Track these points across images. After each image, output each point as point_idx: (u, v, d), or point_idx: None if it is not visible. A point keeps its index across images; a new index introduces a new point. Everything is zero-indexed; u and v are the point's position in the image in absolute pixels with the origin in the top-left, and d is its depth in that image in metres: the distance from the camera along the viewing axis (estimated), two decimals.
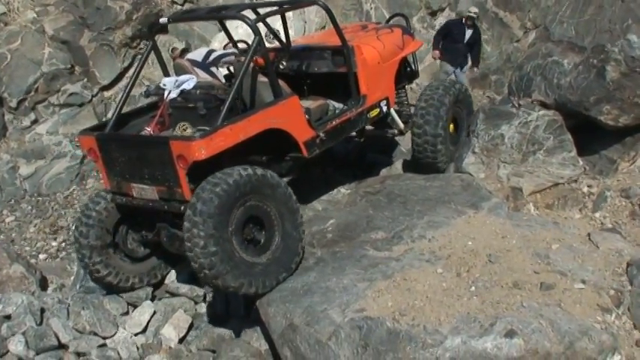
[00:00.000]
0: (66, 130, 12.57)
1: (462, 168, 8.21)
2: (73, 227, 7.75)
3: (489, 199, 7.41)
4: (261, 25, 7.16)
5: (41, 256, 9.94)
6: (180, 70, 7.80)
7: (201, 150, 6.25)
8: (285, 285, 6.38)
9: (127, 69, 13.53)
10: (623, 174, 8.19)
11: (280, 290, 6.32)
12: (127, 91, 7.65)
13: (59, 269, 9.40)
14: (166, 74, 7.74)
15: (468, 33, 12.31)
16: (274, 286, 6.44)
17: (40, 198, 11.42)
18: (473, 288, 5.86)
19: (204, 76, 7.75)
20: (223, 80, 8.08)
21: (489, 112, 8.37)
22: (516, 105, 8.36)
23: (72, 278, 8.77)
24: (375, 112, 8.37)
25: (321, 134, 7.55)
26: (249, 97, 7.23)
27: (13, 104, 12.37)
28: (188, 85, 7.21)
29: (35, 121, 12.56)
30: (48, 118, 12.65)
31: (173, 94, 7.21)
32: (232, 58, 7.93)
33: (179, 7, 14.47)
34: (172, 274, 7.96)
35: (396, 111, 8.87)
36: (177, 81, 7.29)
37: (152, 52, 7.76)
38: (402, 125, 8.88)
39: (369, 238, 6.92)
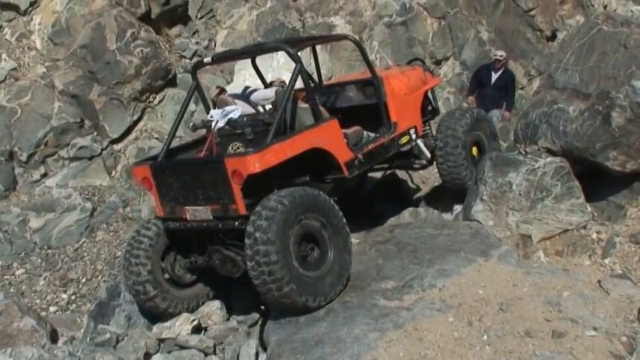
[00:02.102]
0: (76, 184, 12.68)
1: (471, 216, 8.22)
2: (123, 252, 7.95)
3: (499, 247, 7.40)
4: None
5: (51, 309, 9.94)
6: (223, 105, 8.08)
7: (256, 164, 6.65)
8: (296, 336, 6.35)
9: (136, 122, 13.71)
10: (632, 219, 8.19)
11: (291, 341, 6.29)
12: (175, 126, 8.05)
13: (69, 322, 9.39)
14: (207, 110, 8.22)
15: (495, 76, 12.27)
16: (333, 298, 6.78)
17: (50, 251, 11.46)
18: (485, 337, 5.84)
19: (247, 109, 8.13)
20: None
21: (496, 160, 8.40)
22: (523, 152, 8.40)
23: (82, 331, 8.72)
24: (405, 139, 8.85)
25: (360, 156, 7.97)
26: (291, 121, 7.66)
27: (24, 158, 12.51)
28: (235, 115, 7.71)
29: (45, 175, 12.68)
30: (58, 171, 12.77)
31: (221, 123, 7.70)
32: (271, 93, 8.22)
33: (188, 60, 14.70)
34: (176, 329, 7.89)
35: (422, 143, 9.29)
36: (224, 111, 7.76)
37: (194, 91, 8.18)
38: (429, 155, 9.32)
39: (380, 287, 6.91)
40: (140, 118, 13.79)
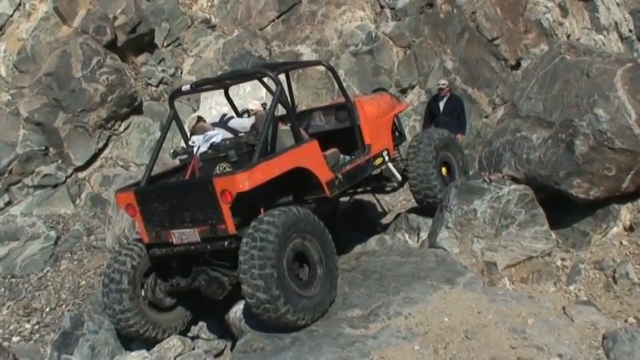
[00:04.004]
0: (40, 212, 12.55)
1: (437, 243, 8.24)
2: (103, 275, 7.81)
3: (464, 274, 7.42)
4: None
5: (14, 339, 9.79)
6: (203, 132, 8.13)
7: (245, 182, 6.73)
8: None
9: (101, 150, 13.64)
10: (596, 246, 8.24)
11: None
12: (155, 153, 8.04)
13: (32, 352, 9.26)
14: (185, 138, 8.30)
15: (442, 104, 12.57)
16: (321, 316, 6.85)
17: (13, 280, 11.30)
18: None
19: (226, 135, 8.18)
20: None
21: (461, 188, 8.45)
22: (487, 180, 8.46)
23: None
24: (379, 161, 9.09)
25: (339, 176, 8.12)
26: (272, 143, 7.78)
27: None
28: (217, 139, 7.88)
29: (9, 203, 12.53)
30: (22, 199, 12.64)
31: (203, 148, 7.83)
32: (249, 122, 8.29)
33: (154, 88, 14.67)
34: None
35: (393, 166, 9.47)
36: (206, 136, 7.88)
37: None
38: (399, 177, 9.49)
39: (346, 315, 6.88)
40: (105, 146, 13.72)
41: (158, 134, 13.60)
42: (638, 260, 7.84)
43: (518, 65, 17.17)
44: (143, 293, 7.64)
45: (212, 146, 7.86)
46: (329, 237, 7.21)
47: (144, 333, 7.60)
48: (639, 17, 23.29)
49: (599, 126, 7.85)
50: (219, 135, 7.96)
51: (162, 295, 7.77)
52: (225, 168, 7.62)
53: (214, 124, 8.40)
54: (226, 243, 6.98)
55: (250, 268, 6.41)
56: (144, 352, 7.66)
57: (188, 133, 8.30)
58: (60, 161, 13.14)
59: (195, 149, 7.86)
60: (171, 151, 8.51)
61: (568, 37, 18.42)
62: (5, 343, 9.34)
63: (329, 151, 8.30)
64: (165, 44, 15.98)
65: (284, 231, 6.61)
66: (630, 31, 22.02)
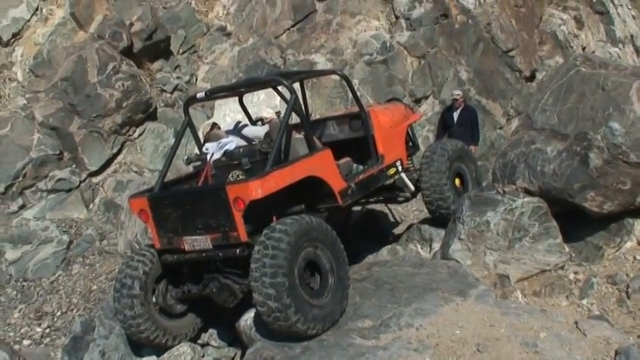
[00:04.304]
0: (53, 216, 12.60)
1: (449, 255, 8.22)
2: (115, 280, 7.84)
3: (477, 287, 7.39)
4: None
5: (25, 342, 9.81)
6: (217, 139, 8.16)
7: (258, 190, 6.74)
8: None
9: (115, 155, 13.69)
10: (609, 260, 8.21)
11: None
12: (169, 159, 8.11)
13: (43, 356, 9.27)
14: (199, 144, 8.29)
15: (456, 115, 12.55)
16: (332, 326, 6.81)
17: (25, 283, 11.34)
18: None
19: (240, 142, 8.20)
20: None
21: (475, 199, 8.43)
22: (501, 192, 8.43)
23: None
24: (392, 171, 9.07)
25: (352, 185, 8.12)
26: (286, 151, 7.83)
27: (1, 189, 12.44)
28: (230, 146, 7.91)
29: (23, 206, 12.59)
30: (35, 203, 12.69)
31: (217, 155, 7.84)
32: (263, 131, 8.30)
33: (169, 95, 14.73)
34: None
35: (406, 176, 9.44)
36: (219, 143, 7.90)
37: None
38: (412, 187, 9.43)
39: (357, 325, 6.86)
40: (119, 152, 13.78)
41: (172, 140, 13.64)
42: None
43: (532, 77, 17.12)
44: (154, 299, 7.64)
45: (226, 153, 7.88)
46: (341, 246, 7.19)
47: (154, 339, 7.60)
48: None
49: (614, 139, 7.82)
50: (232, 142, 7.98)
51: (173, 301, 7.77)
52: (238, 175, 7.64)
53: (228, 132, 8.42)
54: (238, 251, 6.97)
55: (262, 276, 6.39)
56: (154, 359, 7.67)
57: (202, 140, 8.32)
58: (74, 166, 13.19)
59: (208, 156, 7.87)
60: (185, 157, 8.52)
61: (583, 49, 18.37)
62: (16, 347, 9.36)
63: (342, 161, 8.28)
64: (180, 51, 16.05)
65: (296, 239, 6.60)
66: None
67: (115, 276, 8.30)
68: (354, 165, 8.66)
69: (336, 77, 14.40)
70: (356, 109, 8.98)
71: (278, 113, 9.12)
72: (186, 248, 7.29)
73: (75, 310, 10.49)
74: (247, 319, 7.32)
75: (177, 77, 15.46)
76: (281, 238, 6.52)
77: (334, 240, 7.11)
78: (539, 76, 16.83)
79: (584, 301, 7.76)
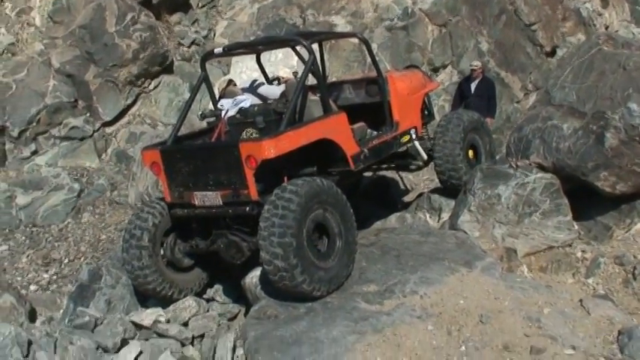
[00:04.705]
0: (65, 163, 12.65)
1: (457, 225, 8.21)
2: (124, 230, 7.89)
3: (483, 259, 7.40)
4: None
5: (32, 287, 9.89)
6: (232, 95, 8.15)
7: (270, 149, 6.74)
8: (274, 333, 6.32)
9: (130, 106, 13.69)
10: (618, 241, 8.19)
11: (269, 338, 6.26)
12: (184, 113, 8.08)
13: (49, 302, 9.35)
14: (214, 100, 8.27)
15: (473, 86, 12.45)
16: (337, 289, 6.85)
17: (34, 229, 11.40)
18: (463, 348, 5.84)
19: (255, 101, 8.19)
20: None
21: (487, 172, 8.40)
22: (514, 166, 8.40)
23: (61, 312, 8.69)
24: (406, 138, 9.04)
25: (365, 150, 8.09)
26: (301, 112, 7.84)
27: (15, 134, 12.47)
28: (245, 104, 7.89)
29: (35, 152, 12.64)
30: (48, 149, 12.74)
31: (231, 112, 7.84)
32: (279, 90, 8.33)
33: (185, 48, 14.68)
34: (156, 314, 7.86)
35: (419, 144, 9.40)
36: (235, 100, 7.90)
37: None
38: (425, 156, 9.36)
39: (361, 290, 6.90)
40: (134, 103, 13.77)
41: (187, 95, 13.60)
42: None
43: (553, 53, 16.94)
44: (162, 252, 7.70)
45: (240, 111, 7.87)
46: (350, 211, 7.18)
47: (160, 291, 7.67)
48: None
49: (631, 120, 7.76)
50: (248, 100, 7.95)
51: (180, 255, 7.82)
52: (252, 134, 7.63)
53: (244, 89, 8.39)
54: (248, 208, 7.00)
55: (270, 235, 6.42)
56: (159, 310, 7.74)
57: (217, 96, 8.29)
58: (88, 115, 13.20)
59: (223, 113, 7.86)
60: (200, 112, 8.51)
61: (606, 28, 18.13)
62: (23, 291, 9.45)
63: (356, 125, 8.25)
64: (200, 5, 15.95)
65: (306, 201, 6.60)
66: None
67: (125, 227, 8.35)
68: (368, 130, 8.61)
69: (354, 41, 14.29)
70: (373, 73, 8.93)
71: (295, 73, 9.08)
72: (197, 203, 7.31)
73: (83, 259, 10.56)
74: (253, 276, 7.38)
75: (196, 31, 15.37)
76: (291, 198, 6.52)
77: (344, 204, 7.11)
78: (559, 52, 16.66)
79: (590, 280, 7.77)
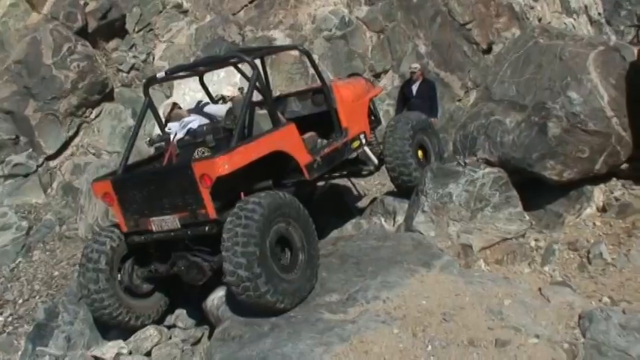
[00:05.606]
0: (11, 202, 12.40)
1: (413, 227, 8.27)
2: (81, 254, 7.71)
3: (441, 257, 7.45)
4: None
5: None
6: (179, 118, 8.06)
7: (225, 165, 6.71)
8: (240, 353, 6.24)
9: (72, 138, 13.48)
10: (570, 227, 8.33)
11: (235, 359, 6.20)
12: (131, 141, 7.96)
13: (6, 345, 9.14)
14: (160, 125, 8.17)
15: (415, 88, 12.62)
16: (300, 302, 6.80)
17: None
18: (429, 348, 5.86)
19: (204, 120, 8.11)
20: None
21: (437, 172, 8.48)
22: (462, 164, 8.50)
23: (20, 354, 8.51)
24: (356, 144, 9.10)
25: (318, 159, 8.15)
26: (250, 127, 7.80)
27: None
28: (194, 125, 7.84)
29: None
30: None
31: (180, 134, 7.76)
32: (225, 109, 8.24)
33: (125, 74, 14.53)
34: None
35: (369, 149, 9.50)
36: (182, 122, 7.82)
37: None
38: (376, 160, 9.48)
39: (324, 300, 6.88)
40: (76, 134, 13.57)
41: (130, 121, 13.48)
42: (612, 240, 7.94)
43: (489, 49, 17.23)
44: (120, 277, 7.57)
45: (189, 132, 7.81)
46: (312, 225, 7.20)
47: (117, 316, 7.50)
48: (608, 1, 23.48)
49: (572, 108, 7.92)
50: (195, 121, 7.90)
51: (139, 280, 7.71)
52: (203, 152, 7.58)
53: (190, 111, 8.34)
54: (207, 228, 6.94)
55: (233, 246, 6.36)
56: (120, 342, 7.62)
57: (163, 120, 8.22)
58: (31, 150, 12.97)
59: (171, 136, 7.79)
60: (147, 139, 8.42)
61: (539, 20, 18.51)
62: None
63: (307, 135, 8.29)
64: (136, 30, 15.81)
65: (269, 212, 6.60)
66: (599, 14, 22.21)
67: (77, 261, 8.20)
68: (319, 139, 8.67)
69: (295, 53, 14.33)
70: (317, 85, 8.95)
71: (241, 89, 9.06)
72: (154, 229, 7.23)
73: (37, 297, 10.35)
74: (214, 298, 7.30)
75: (134, 56, 15.23)
76: (254, 209, 6.52)
77: (306, 218, 7.13)
78: (496, 48, 16.94)
79: (546, 268, 7.88)
